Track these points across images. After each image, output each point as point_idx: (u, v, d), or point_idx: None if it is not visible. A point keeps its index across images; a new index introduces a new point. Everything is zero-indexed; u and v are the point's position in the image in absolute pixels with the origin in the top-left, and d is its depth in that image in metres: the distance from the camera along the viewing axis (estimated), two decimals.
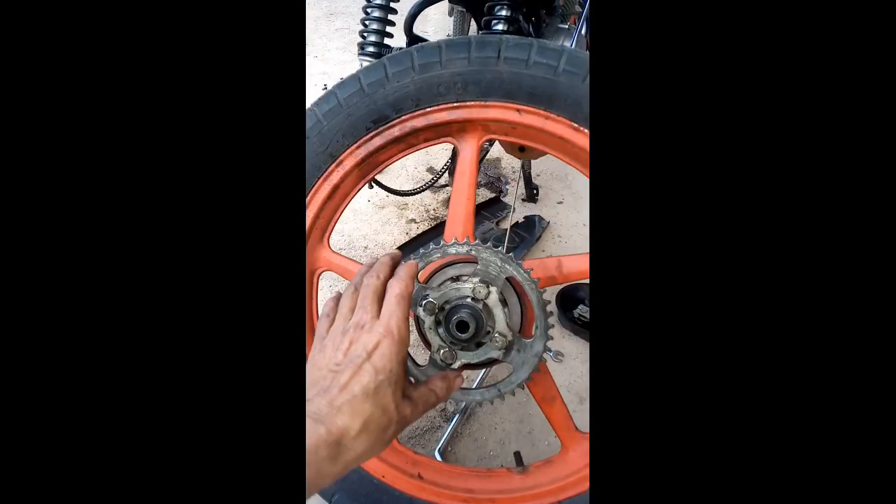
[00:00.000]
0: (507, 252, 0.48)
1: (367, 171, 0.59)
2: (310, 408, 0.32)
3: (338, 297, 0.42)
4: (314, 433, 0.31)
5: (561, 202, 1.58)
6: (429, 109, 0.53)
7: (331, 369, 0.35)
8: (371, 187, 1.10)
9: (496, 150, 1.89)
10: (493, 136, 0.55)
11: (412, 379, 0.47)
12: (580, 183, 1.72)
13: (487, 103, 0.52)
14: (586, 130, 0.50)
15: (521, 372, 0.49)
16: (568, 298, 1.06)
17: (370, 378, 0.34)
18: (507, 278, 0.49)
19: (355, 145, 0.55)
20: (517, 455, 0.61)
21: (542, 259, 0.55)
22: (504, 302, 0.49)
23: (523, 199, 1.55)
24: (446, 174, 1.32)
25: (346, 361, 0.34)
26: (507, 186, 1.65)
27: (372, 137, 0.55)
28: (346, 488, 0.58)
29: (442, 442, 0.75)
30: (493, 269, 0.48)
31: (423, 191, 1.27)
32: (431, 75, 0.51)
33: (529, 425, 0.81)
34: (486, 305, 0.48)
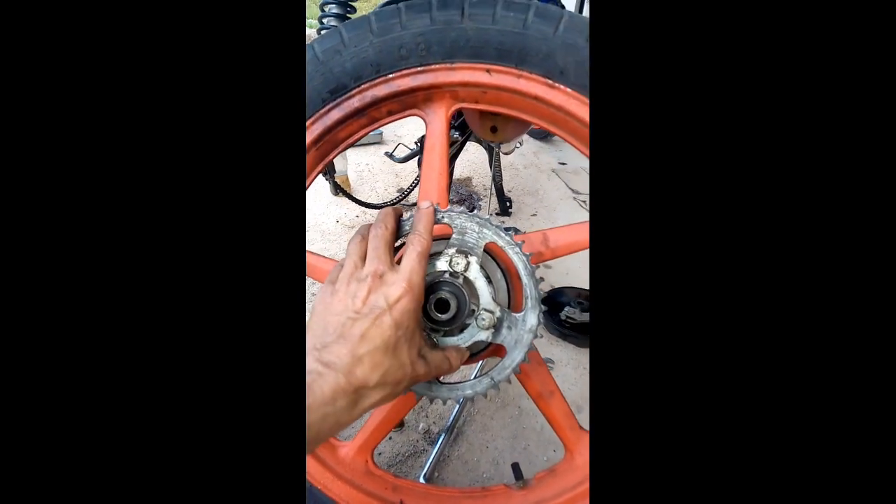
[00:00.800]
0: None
1: (325, 152, 0.53)
2: (326, 355, 0.32)
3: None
4: (333, 382, 0.31)
5: (535, 214, 1.57)
6: (391, 75, 0.48)
7: (349, 316, 0.34)
8: (336, 194, 1.04)
9: (467, 170, 1.88)
10: (462, 105, 0.51)
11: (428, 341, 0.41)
12: (552, 196, 1.72)
13: (454, 65, 0.48)
14: (562, 87, 0.46)
15: (516, 353, 0.42)
16: (551, 303, 1.00)
17: (391, 332, 0.33)
18: (485, 251, 0.43)
19: (311, 120, 0.50)
20: (515, 467, 0.52)
21: (524, 234, 0.49)
22: (487, 277, 0.42)
23: (497, 213, 1.52)
24: (416, 189, 1.28)
25: (364, 310, 0.34)
26: (480, 202, 1.62)
27: (329, 110, 0.50)
28: None
29: (427, 467, 0.65)
30: (470, 237, 0.42)
31: (392, 204, 1.22)
32: (392, 37, 0.47)
33: (524, 441, 0.72)
34: (466, 280, 0.42)
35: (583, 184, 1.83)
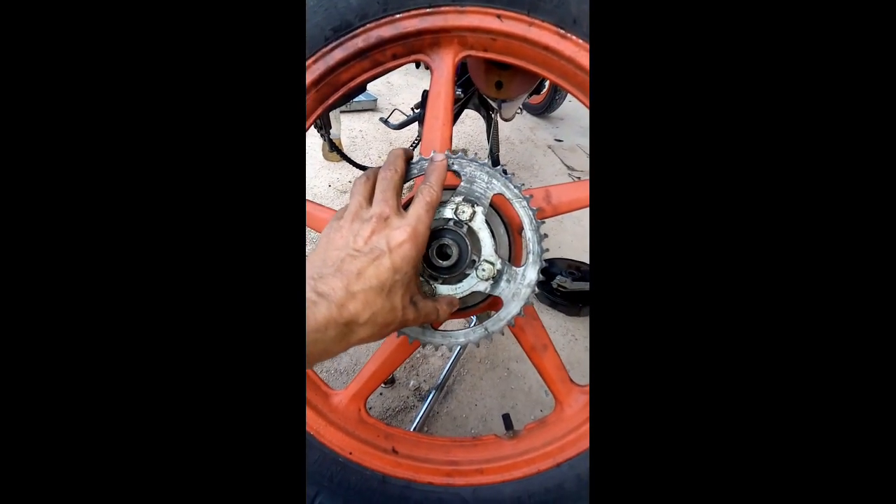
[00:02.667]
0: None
1: (325, 94, 0.51)
2: (321, 285, 0.32)
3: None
4: (327, 312, 0.31)
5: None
6: (398, 16, 0.46)
7: (348, 252, 0.34)
8: (331, 151, 1.02)
9: (462, 142, 1.86)
10: (470, 52, 0.49)
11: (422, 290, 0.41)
12: (547, 172, 1.71)
13: (464, 8, 0.46)
14: (574, 37, 0.45)
15: (512, 306, 0.42)
16: (543, 273, 1.01)
17: (388, 275, 0.33)
18: (490, 204, 0.43)
19: (312, 59, 0.48)
20: (506, 418, 0.53)
21: (528, 189, 0.49)
22: (490, 230, 0.42)
23: None
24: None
25: (365, 249, 0.34)
26: None
27: (332, 49, 0.47)
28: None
29: (416, 421, 0.66)
30: (478, 187, 0.42)
31: None
32: None
33: (512, 400, 0.74)
34: (470, 230, 0.42)
35: (578, 160, 1.83)
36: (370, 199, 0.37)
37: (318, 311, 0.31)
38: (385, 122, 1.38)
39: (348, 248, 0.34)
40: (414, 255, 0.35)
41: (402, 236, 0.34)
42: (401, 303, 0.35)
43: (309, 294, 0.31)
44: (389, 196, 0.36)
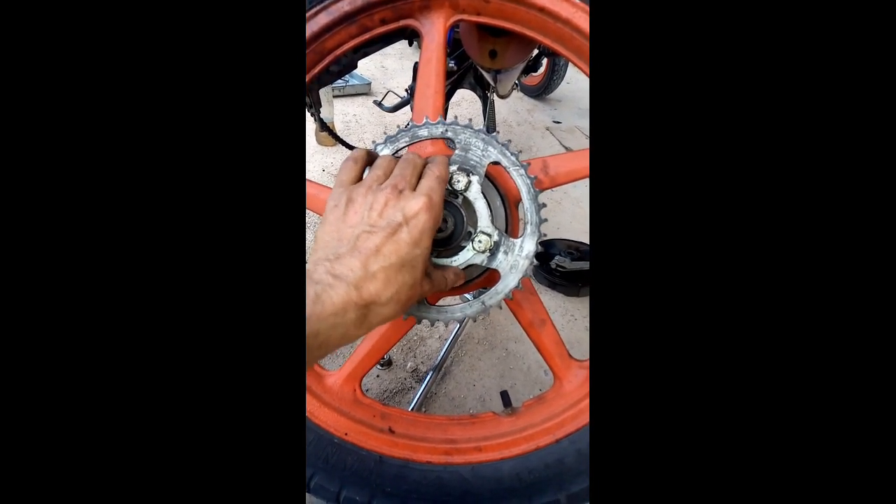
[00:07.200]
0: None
1: (311, 63, 0.48)
2: (338, 267, 0.30)
3: (367, 153, 0.39)
4: (344, 294, 0.29)
5: None
6: None
7: (364, 229, 0.32)
8: (322, 129, 0.99)
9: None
10: (462, 17, 0.47)
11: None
12: (545, 153, 1.69)
13: None
14: None
15: (510, 278, 0.41)
16: (542, 255, 1.00)
17: (408, 249, 0.32)
18: (486, 175, 0.41)
19: None
20: (504, 395, 0.52)
21: (525, 160, 0.47)
22: (486, 201, 0.40)
23: None
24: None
25: (382, 223, 0.32)
26: None
27: (316, 14, 0.45)
28: None
29: (414, 402, 0.65)
30: (473, 155, 0.40)
31: None
32: None
33: (511, 380, 0.73)
34: (465, 200, 0.40)
35: (577, 142, 1.80)
36: (389, 176, 0.36)
37: (335, 294, 0.29)
38: (379, 104, 1.35)
39: (363, 223, 0.32)
40: (431, 226, 0.33)
41: (417, 206, 0.33)
42: (420, 275, 0.34)
43: (324, 276, 0.30)
44: (409, 174, 0.35)
